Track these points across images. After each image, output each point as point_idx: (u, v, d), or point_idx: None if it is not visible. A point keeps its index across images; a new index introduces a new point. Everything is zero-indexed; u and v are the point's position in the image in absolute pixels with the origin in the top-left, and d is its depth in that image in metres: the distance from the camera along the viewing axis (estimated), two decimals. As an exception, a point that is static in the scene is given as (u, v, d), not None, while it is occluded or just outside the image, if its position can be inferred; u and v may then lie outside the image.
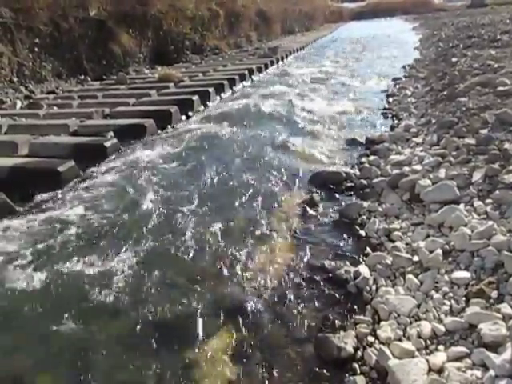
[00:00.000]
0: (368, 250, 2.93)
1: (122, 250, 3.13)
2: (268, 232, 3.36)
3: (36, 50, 9.18)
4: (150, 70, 11.88)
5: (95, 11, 10.79)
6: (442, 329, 2.03)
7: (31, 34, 9.11)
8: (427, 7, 40.92)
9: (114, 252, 3.11)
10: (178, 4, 13.85)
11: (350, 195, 3.90)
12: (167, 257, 3.05)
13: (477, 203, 2.93)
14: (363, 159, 4.58)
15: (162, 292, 2.68)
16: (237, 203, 3.85)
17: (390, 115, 6.50)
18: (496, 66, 6.64)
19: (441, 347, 1.95)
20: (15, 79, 8.62)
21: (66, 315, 2.48)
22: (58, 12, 9.72)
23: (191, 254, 3.07)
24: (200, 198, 4.01)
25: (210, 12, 16.14)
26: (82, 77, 10.23)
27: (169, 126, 6.53)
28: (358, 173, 4.24)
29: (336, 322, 2.34)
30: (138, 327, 2.39)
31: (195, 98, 7.60)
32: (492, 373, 1.69)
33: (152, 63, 12.67)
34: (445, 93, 6.19)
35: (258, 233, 3.35)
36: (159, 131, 6.31)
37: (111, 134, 5.74)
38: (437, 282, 2.34)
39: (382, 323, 2.21)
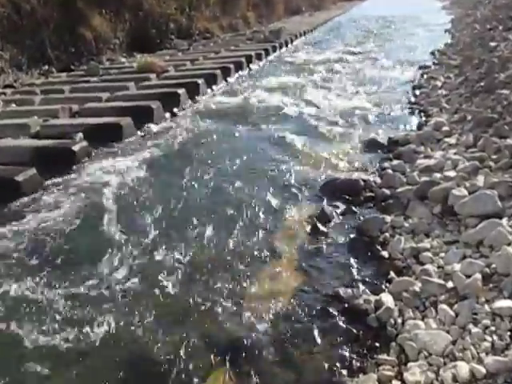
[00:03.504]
0: (392, 274, 2.93)
1: (86, 280, 3.11)
2: (271, 253, 3.36)
3: (-9, 35, 9.29)
4: (127, 59, 11.99)
5: (62, -11, 10.94)
6: (483, 370, 2.02)
7: (-15, 16, 9.23)
8: (460, -19, 41.37)
9: (76, 281, 3.10)
10: (160, -21, 14.06)
11: (370, 208, 3.92)
12: (150, 284, 3.05)
13: (523, 217, 2.94)
14: (385, 164, 4.61)
15: (145, 326, 2.67)
16: (233, 220, 3.86)
17: (416, 111, 6.55)
18: (543, 51, 6.72)
19: (481, 393, 1.95)
20: (-35, 71, 8.70)
21: (31, 356, 2.48)
22: (18, -9, 9.86)
23: (179, 281, 3.07)
24: (188, 213, 4.02)
25: (200, -11, 16.37)
26: (46, 67, 10.32)
27: (150, 126, 6.57)
28: (378, 180, 4.26)
29: (354, 363, 2.34)
30: (121, 366, 2.39)
31: (181, 91, 7.66)
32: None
33: (129, 50, 12.79)
34: (482, 84, 6.24)
35: (258, 254, 3.35)
36: (138, 132, 6.35)
37: (80, 135, 5.77)
38: (475, 314, 2.34)
39: (410, 364, 2.20)
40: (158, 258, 3.37)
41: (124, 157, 5.44)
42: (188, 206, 4.15)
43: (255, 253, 3.38)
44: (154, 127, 6.59)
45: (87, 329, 2.66)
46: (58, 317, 2.76)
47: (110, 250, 3.46)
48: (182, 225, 3.83)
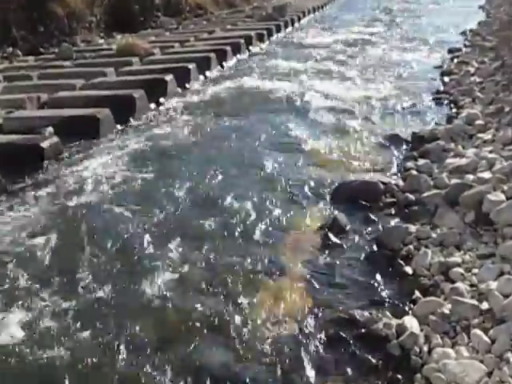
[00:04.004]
0: (417, 294, 2.93)
1: (59, 296, 3.13)
2: (275, 269, 3.36)
3: None
4: (105, 40, 12.05)
5: (29, -42, 10.98)
6: (524, 407, 2.03)
7: None
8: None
9: (47, 297, 3.12)
10: None
11: (391, 215, 3.92)
12: (137, 302, 3.06)
13: None
14: (409, 164, 4.62)
15: (132, 347, 2.68)
16: (232, 230, 3.86)
17: (445, 101, 6.58)
18: None
19: (522, 434, 1.95)
20: None
21: None
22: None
23: (171, 300, 3.07)
24: (178, 221, 4.03)
25: (191, -42, 16.44)
26: (10, 49, 10.36)
27: (131, 119, 6.59)
28: (401, 183, 4.27)
29: (372, 398, 2.34)
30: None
31: (169, 78, 7.69)
32: None
33: (108, 30, 12.84)
34: (522, 69, 6.27)
35: (261, 270, 3.35)
36: (118, 126, 6.37)
37: (50, 130, 5.78)
38: (515, 340, 2.34)
39: (439, 400, 2.20)
40: (144, 271, 3.37)
41: (101, 155, 5.45)
42: (178, 213, 4.16)
43: (257, 268, 3.38)
44: (136, 120, 6.61)
45: (66, 350, 2.67)
46: (31, 335, 2.77)
47: (83, 265, 3.46)
48: (171, 236, 3.83)
